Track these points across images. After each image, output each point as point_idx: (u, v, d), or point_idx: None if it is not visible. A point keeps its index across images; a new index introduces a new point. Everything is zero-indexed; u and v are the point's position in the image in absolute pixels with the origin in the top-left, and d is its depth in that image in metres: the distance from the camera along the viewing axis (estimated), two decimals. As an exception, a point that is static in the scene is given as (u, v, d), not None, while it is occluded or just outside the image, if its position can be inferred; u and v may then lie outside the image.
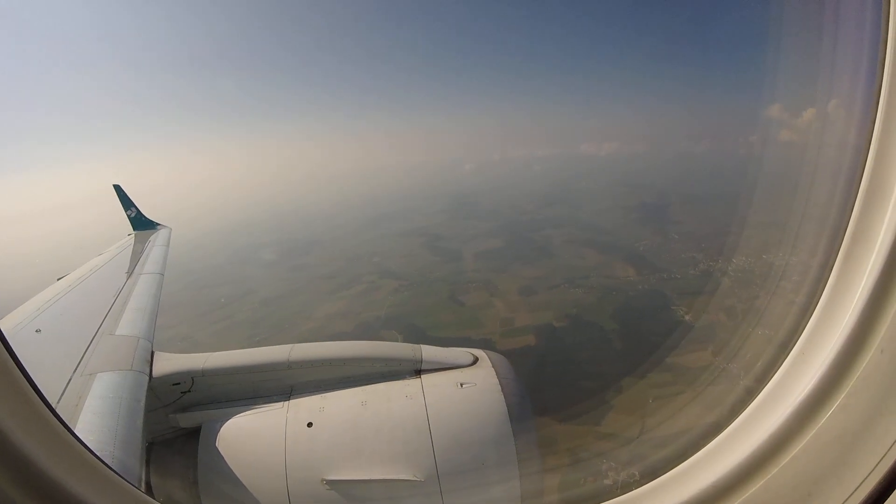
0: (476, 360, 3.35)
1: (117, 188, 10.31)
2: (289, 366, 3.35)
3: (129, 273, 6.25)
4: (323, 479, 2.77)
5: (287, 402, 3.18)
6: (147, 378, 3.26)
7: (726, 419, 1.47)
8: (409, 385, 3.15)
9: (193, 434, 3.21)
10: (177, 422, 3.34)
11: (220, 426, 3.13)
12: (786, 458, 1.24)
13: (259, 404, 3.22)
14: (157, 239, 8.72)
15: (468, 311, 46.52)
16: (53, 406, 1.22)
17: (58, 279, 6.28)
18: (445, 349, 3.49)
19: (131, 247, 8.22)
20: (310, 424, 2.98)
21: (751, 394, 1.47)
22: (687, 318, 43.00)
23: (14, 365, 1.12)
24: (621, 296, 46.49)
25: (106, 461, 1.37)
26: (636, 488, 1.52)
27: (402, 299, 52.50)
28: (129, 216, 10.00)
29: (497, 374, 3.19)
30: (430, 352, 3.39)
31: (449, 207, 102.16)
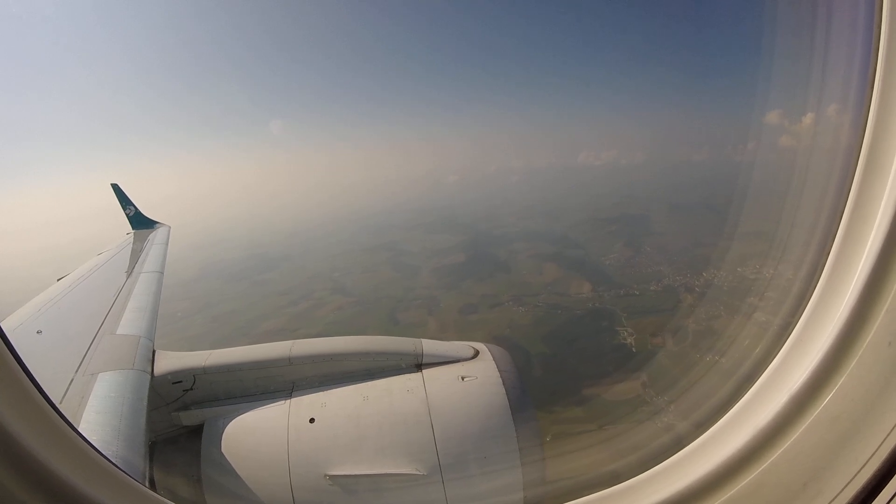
0: (477, 353, 3.34)
1: (115, 187, 10.09)
2: (290, 362, 3.35)
3: (129, 272, 6.14)
4: (326, 475, 2.77)
5: (289, 398, 3.16)
6: (149, 377, 3.25)
7: (722, 410, 1.45)
8: (411, 379, 3.14)
9: (196, 432, 3.20)
10: (179, 420, 3.33)
11: (223, 424, 3.11)
12: (783, 446, 1.25)
13: (261, 401, 3.20)
14: (155, 237, 8.59)
15: (399, 331, 43.76)
16: (57, 405, 1.22)
17: (58, 279, 6.18)
18: (446, 343, 3.49)
19: (130, 246, 8.11)
20: (312, 420, 2.96)
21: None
22: (629, 341, 38.66)
23: (17, 366, 1.12)
24: (565, 315, 42.62)
25: (110, 459, 1.38)
26: (632, 478, 1.50)
27: (341, 317, 50.65)
28: (127, 215, 9.85)
29: (498, 367, 3.19)
30: (430, 346, 3.39)
31: (426, 222, 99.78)
